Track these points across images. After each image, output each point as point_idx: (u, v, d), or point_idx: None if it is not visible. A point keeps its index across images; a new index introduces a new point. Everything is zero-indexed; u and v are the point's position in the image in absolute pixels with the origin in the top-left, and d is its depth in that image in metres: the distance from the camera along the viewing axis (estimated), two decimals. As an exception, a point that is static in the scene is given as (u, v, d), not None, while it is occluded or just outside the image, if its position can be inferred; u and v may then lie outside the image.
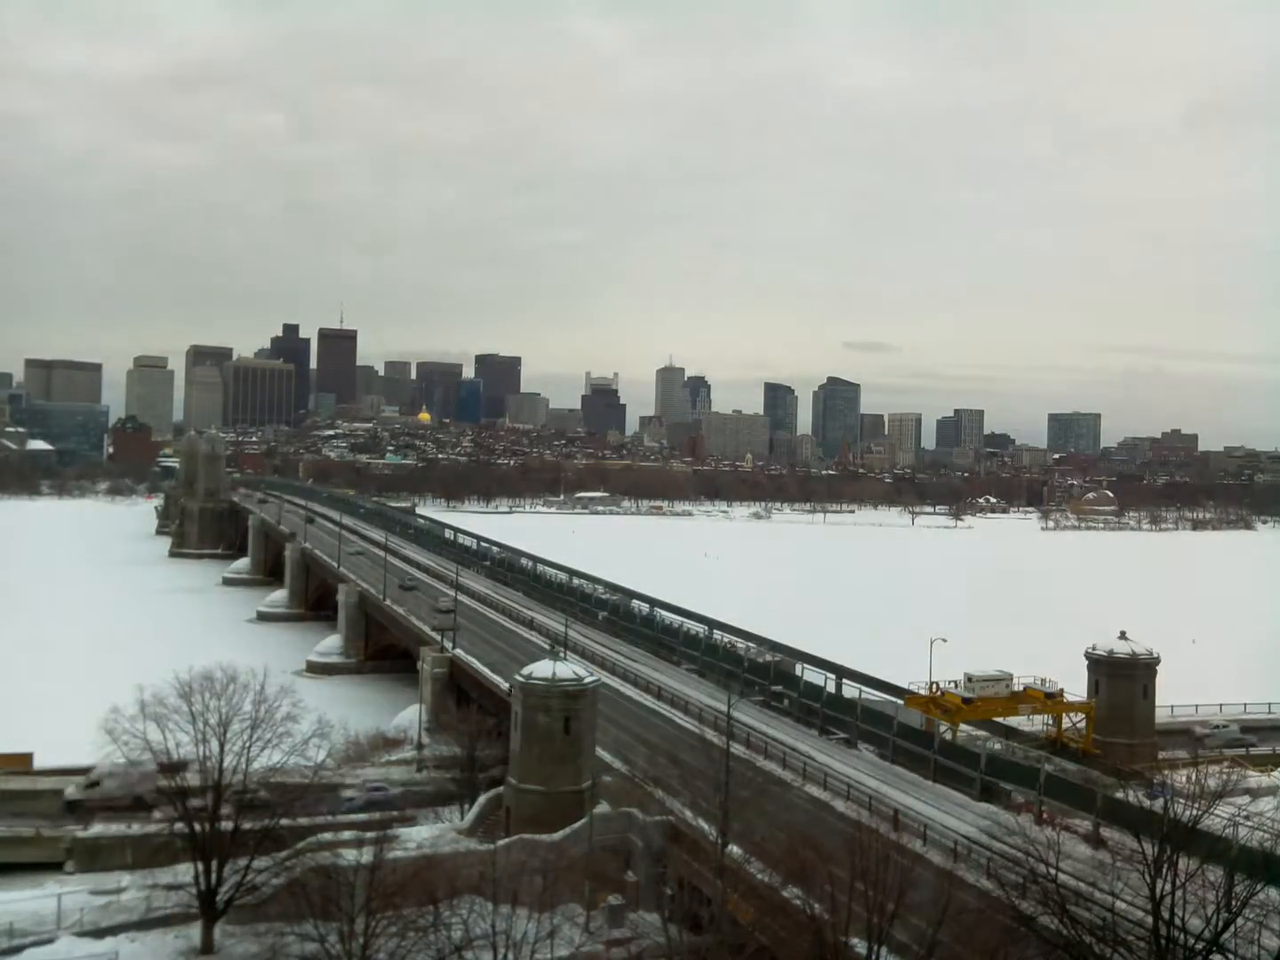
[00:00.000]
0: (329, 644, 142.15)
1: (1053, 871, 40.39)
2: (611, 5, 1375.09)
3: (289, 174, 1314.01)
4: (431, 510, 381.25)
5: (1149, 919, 38.21)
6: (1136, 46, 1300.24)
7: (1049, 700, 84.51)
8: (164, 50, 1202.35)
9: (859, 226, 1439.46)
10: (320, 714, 65.63)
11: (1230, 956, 37.78)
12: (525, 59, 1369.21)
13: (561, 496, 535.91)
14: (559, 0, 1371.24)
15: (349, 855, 51.38)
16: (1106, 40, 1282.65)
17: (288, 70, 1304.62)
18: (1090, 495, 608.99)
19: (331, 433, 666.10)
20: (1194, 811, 40.00)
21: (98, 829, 68.16)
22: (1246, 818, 48.11)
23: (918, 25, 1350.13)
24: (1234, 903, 37.93)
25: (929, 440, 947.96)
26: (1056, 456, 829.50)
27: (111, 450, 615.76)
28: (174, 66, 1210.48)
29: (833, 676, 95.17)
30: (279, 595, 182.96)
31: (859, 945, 40.58)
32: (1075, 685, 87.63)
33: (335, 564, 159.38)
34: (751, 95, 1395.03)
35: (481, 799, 68.12)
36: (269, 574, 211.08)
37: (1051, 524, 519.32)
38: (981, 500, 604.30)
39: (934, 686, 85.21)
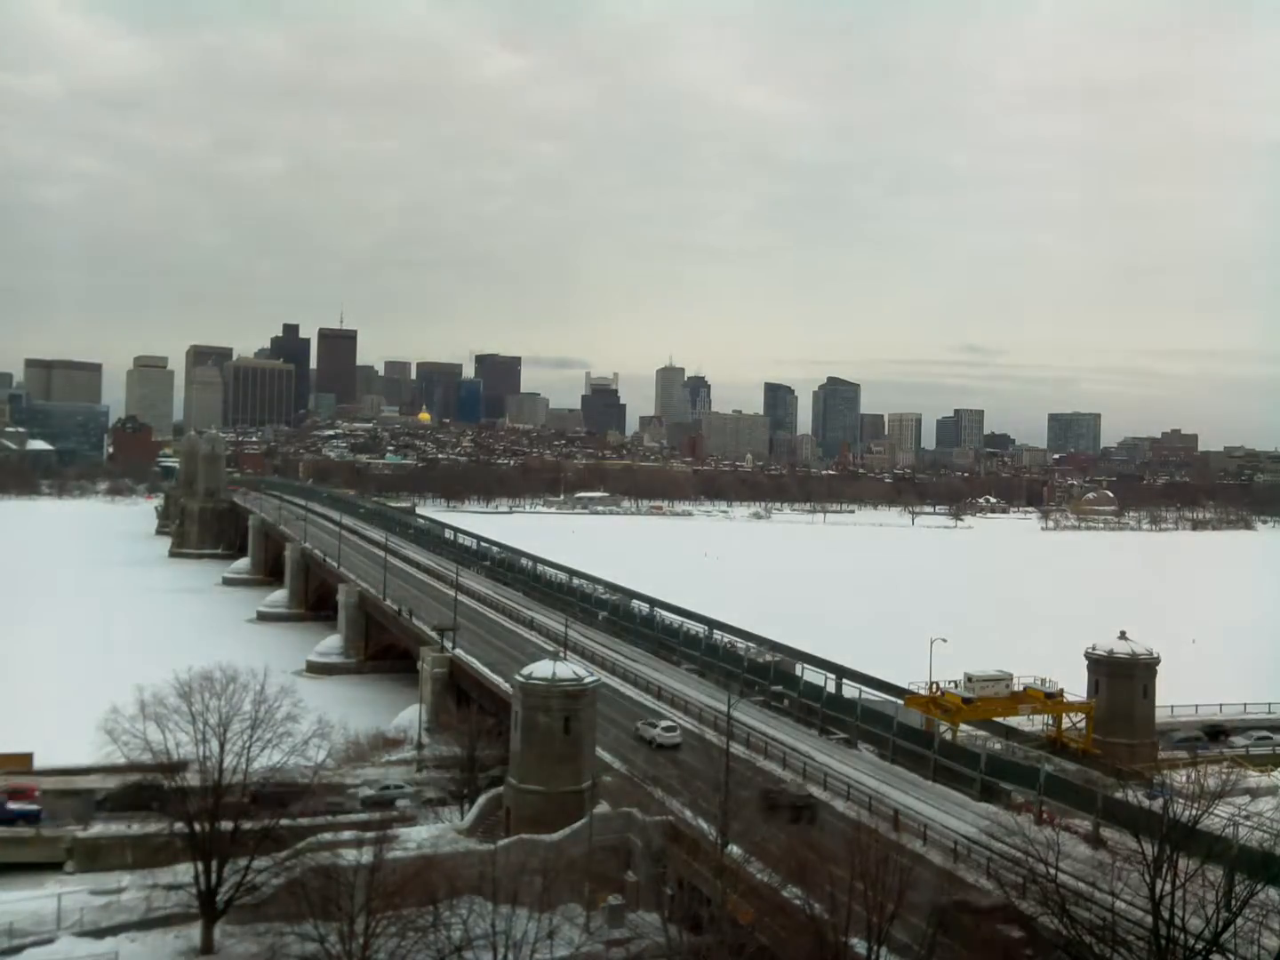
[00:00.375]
0: (329, 644, 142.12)
1: (1053, 871, 40.40)
2: (509, 36, 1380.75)
3: (235, 185, 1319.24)
4: (431, 510, 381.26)
5: (1149, 919, 38.22)
6: (1140, 56, 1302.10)
7: (1049, 700, 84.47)
8: (89, 72, 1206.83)
9: (842, 234, 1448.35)
10: (320, 714, 65.58)
11: (1230, 956, 37.78)
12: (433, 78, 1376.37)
13: (561, 496, 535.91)
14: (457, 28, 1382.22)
15: (349, 855, 51.37)
16: (1104, 49, 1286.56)
17: (206, 90, 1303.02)
18: (1090, 495, 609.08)
19: (331, 433, 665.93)
20: (1193, 811, 40.02)
21: (98, 829, 68.13)
22: (1246, 817, 48.10)
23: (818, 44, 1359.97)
24: (1234, 903, 37.95)
25: (929, 440, 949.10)
26: (1056, 456, 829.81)
27: (111, 450, 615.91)
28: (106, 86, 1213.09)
29: (833, 676, 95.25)
30: (279, 595, 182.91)
31: (859, 945, 40.60)
32: (1075, 685, 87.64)
33: (335, 564, 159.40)
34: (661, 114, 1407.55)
35: (481, 799, 68.09)
36: (269, 574, 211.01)
37: (1051, 524, 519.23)
38: (981, 500, 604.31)
39: (934, 686, 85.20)
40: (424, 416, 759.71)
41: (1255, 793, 72.23)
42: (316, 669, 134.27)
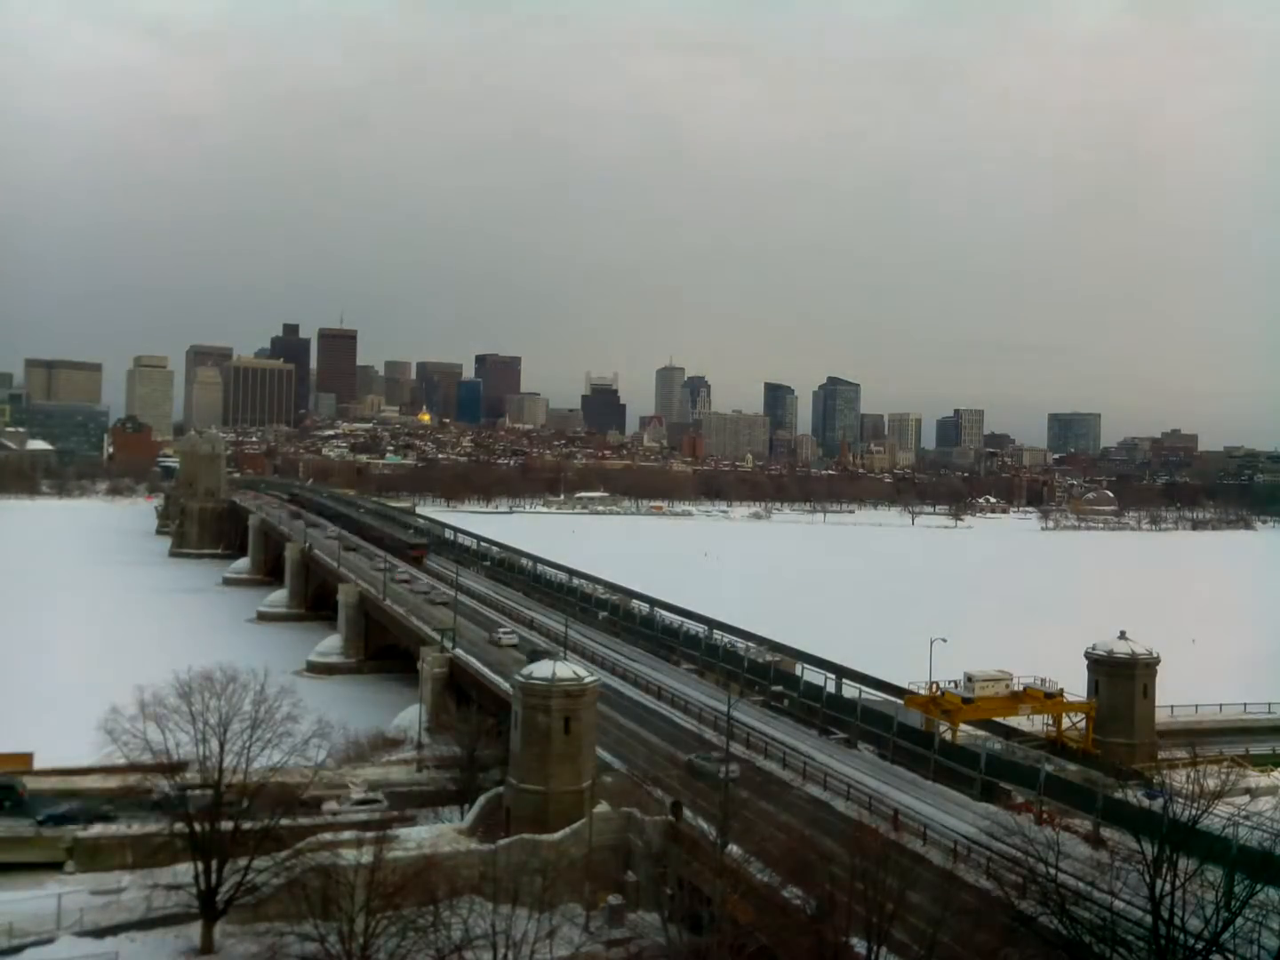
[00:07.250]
0: (329, 644, 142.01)
1: (1052, 871, 40.39)
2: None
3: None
4: (431, 510, 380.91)
5: (1149, 919, 38.21)
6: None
7: (1049, 700, 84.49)
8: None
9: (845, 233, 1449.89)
10: (320, 714, 65.55)
11: (1230, 956, 37.76)
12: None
13: (561, 496, 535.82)
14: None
15: (349, 855, 51.37)
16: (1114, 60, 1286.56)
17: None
18: (1090, 495, 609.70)
19: (331, 433, 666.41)
20: (1193, 811, 40.01)
21: (98, 829, 68.08)
22: (1246, 817, 48.08)
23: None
24: (1233, 903, 37.94)
25: (929, 440, 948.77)
26: (1056, 456, 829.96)
27: (111, 450, 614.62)
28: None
29: (833, 676, 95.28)
30: (279, 595, 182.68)
31: (859, 945, 40.58)
32: (1075, 685, 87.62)
33: (335, 564, 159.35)
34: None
35: (481, 799, 68.04)
36: (269, 574, 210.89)
37: (1051, 524, 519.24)
38: (981, 500, 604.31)
39: (934, 686, 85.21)
40: (424, 417, 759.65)
41: (1255, 793, 72.24)
42: (316, 669, 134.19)
